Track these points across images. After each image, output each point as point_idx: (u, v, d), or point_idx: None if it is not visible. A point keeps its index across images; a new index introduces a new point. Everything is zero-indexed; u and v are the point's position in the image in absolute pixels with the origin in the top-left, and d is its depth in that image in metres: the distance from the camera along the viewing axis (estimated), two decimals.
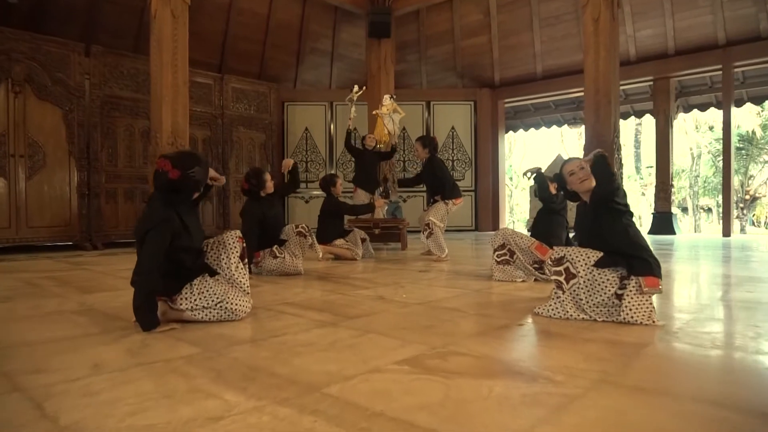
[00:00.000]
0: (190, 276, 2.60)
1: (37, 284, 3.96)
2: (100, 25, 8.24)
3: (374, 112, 7.48)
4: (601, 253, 2.62)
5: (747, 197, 21.45)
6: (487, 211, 11.37)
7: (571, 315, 2.62)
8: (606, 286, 2.57)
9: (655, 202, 10.13)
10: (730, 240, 8.70)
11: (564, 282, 2.66)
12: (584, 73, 7.57)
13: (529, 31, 10.40)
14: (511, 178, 24.23)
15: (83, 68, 7.24)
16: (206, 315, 2.58)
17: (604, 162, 2.76)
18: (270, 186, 4.51)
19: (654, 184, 23.60)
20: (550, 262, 4.06)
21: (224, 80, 9.08)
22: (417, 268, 4.90)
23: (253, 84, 9.64)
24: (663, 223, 9.75)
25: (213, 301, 2.57)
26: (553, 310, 2.68)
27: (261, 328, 2.53)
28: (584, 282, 2.61)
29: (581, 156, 4.37)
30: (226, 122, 9.07)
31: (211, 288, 2.59)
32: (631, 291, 2.51)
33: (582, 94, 10.71)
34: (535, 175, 4.29)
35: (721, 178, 23.82)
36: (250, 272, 4.24)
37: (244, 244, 2.85)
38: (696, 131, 22.71)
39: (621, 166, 7.67)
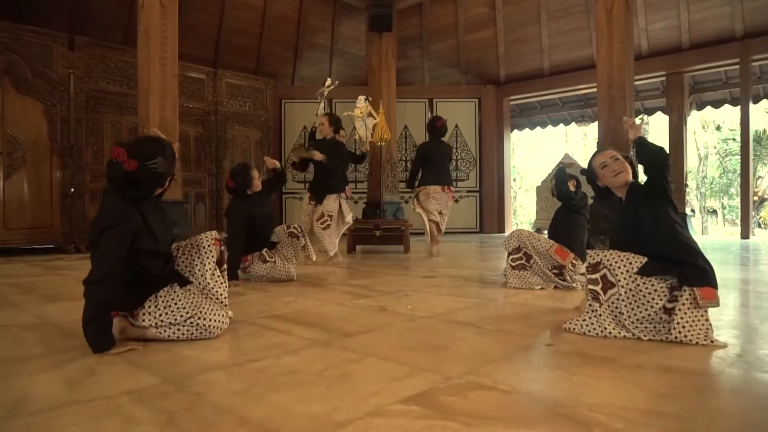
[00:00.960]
0: (155, 286, 2.19)
1: None
2: (88, 17, 7.82)
3: (346, 113, 7.00)
4: (645, 258, 2.21)
5: (755, 198, 21.00)
6: (492, 212, 10.94)
7: (610, 332, 2.20)
8: (653, 298, 2.15)
9: None
10: (749, 242, 8.27)
11: (601, 292, 2.24)
12: (597, 67, 7.16)
13: (537, 25, 9.98)
14: (514, 179, 23.78)
15: (67, 61, 6.83)
16: (174, 333, 2.16)
17: (645, 140, 2.43)
18: (257, 184, 4.08)
19: None
20: (572, 267, 3.68)
21: (218, 75, 8.68)
22: (422, 274, 4.47)
23: (249, 79, 9.23)
24: None
25: (182, 316, 2.15)
26: (588, 325, 2.25)
27: (238, 348, 2.11)
28: (626, 293, 2.19)
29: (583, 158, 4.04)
30: (220, 119, 8.66)
31: (180, 300, 2.18)
32: (684, 305, 2.09)
33: (591, 90, 10.33)
34: (556, 169, 3.91)
35: (727, 180, 23.50)
36: (236, 278, 3.84)
37: (223, 247, 2.43)
38: (703, 131, 22.27)
39: (637, 164, 7.25)
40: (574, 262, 3.58)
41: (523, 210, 25.45)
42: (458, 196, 10.85)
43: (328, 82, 6.56)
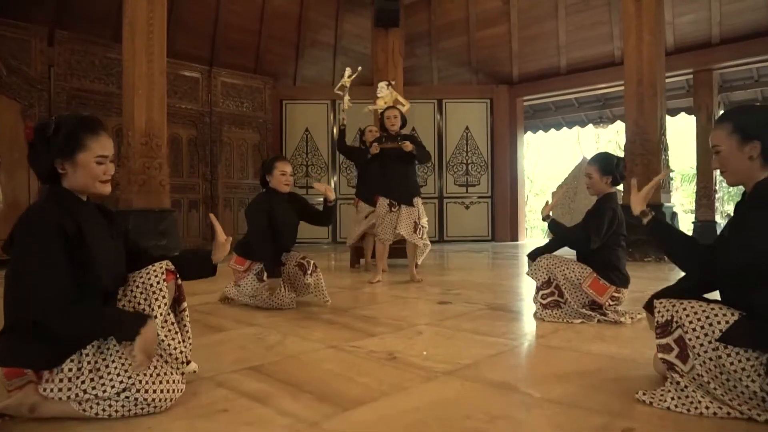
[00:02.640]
0: (80, 338, 1.60)
1: None
2: (74, 11, 7.26)
3: (368, 109, 6.17)
4: (735, 315, 1.58)
5: None
6: (504, 219, 10.32)
7: (707, 406, 1.59)
8: (740, 378, 1.53)
9: (696, 210, 9.05)
10: None
11: (677, 362, 1.64)
12: (625, 62, 6.58)
13: (553, 20, 9.36)
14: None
15: (46, 57, 6.31)
16: (104, 410, 1.57)
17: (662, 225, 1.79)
18: (281, 180, 3.46)
19: (680, 188, 22.29)
20: (612, 301, 3.01)
21: (212, 74, 8.13)
22: (435, 298, 3.86)
23: (246, 78, 8.68)
24: (706, 233, 8.64)
25: (113, 387, 1.55)
26: (672, 400, 1.64)
27: None
28: (704, 363, 1.58)
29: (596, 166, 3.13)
30: (215, 120, 8.10)
31: (113, 363, 1.58)
32: None
33: (611, 90, 9.73)
34: (548, 222, 3.11)
35: None
36: (278, 274, 3.32)
37: (179, 281, 1.85)
38: None
39: (668, 168, 6.64)
40: (615, 294, 2.94)
41: (533, 215, 24.77)
42: (469, 202, 10.27)
43: (348, 71, 5.73)
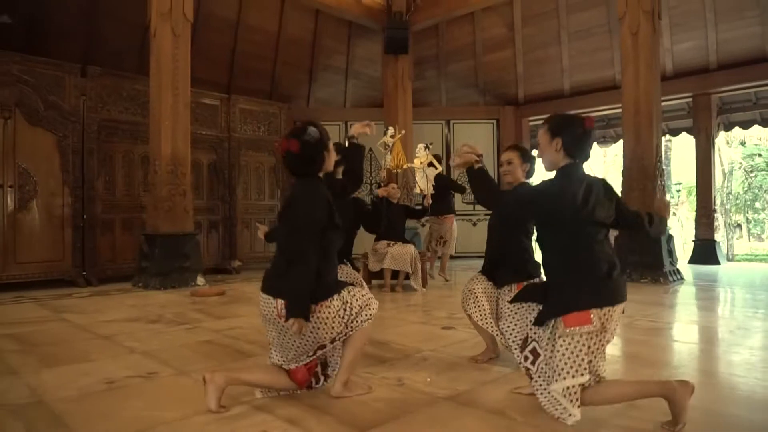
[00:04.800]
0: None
1: None
2: (100, 45, 7.74)
3: (405, 166, 6.80)
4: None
5: None
6: None
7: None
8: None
9: (696, 228, 9.32)
10: None
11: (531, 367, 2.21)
12: (623, 92, 6.92)
13: (557, 45, 9.74)
14: None
15: (79, 91, 6.74)
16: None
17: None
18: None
19: (684, 203, 22.40)
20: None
21: (231, 101, 8.56)
22: (440, 323, 4.21)
23: (263, 104, 9.11)
24: (706, 251, 8.95)
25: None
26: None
27: None
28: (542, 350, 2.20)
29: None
30: (234, 145, 8.53)
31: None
32: None
33: (614, 111, 10.06)
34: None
35: (753, 195, 22.86)
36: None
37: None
38: (728, 146, 21.75)
39: (665, 192, 6.96)
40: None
41: None
42: (476, 219, 10.61)
43: (392, 131, 6.46)
